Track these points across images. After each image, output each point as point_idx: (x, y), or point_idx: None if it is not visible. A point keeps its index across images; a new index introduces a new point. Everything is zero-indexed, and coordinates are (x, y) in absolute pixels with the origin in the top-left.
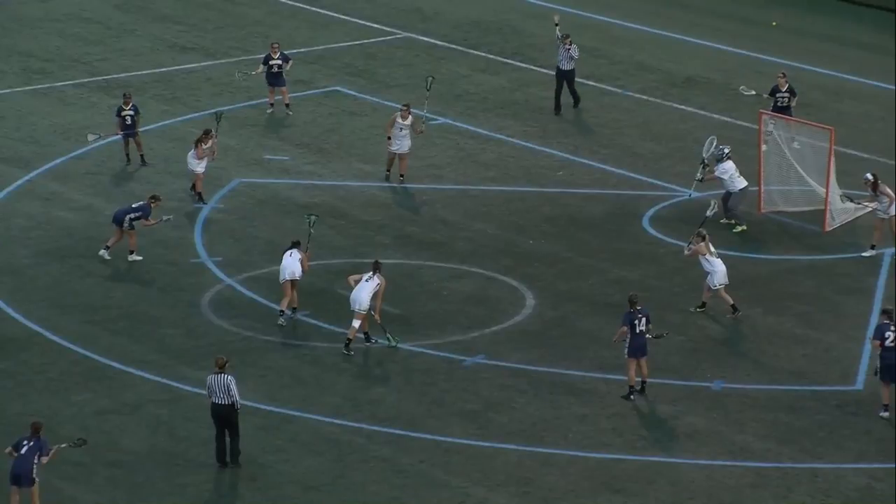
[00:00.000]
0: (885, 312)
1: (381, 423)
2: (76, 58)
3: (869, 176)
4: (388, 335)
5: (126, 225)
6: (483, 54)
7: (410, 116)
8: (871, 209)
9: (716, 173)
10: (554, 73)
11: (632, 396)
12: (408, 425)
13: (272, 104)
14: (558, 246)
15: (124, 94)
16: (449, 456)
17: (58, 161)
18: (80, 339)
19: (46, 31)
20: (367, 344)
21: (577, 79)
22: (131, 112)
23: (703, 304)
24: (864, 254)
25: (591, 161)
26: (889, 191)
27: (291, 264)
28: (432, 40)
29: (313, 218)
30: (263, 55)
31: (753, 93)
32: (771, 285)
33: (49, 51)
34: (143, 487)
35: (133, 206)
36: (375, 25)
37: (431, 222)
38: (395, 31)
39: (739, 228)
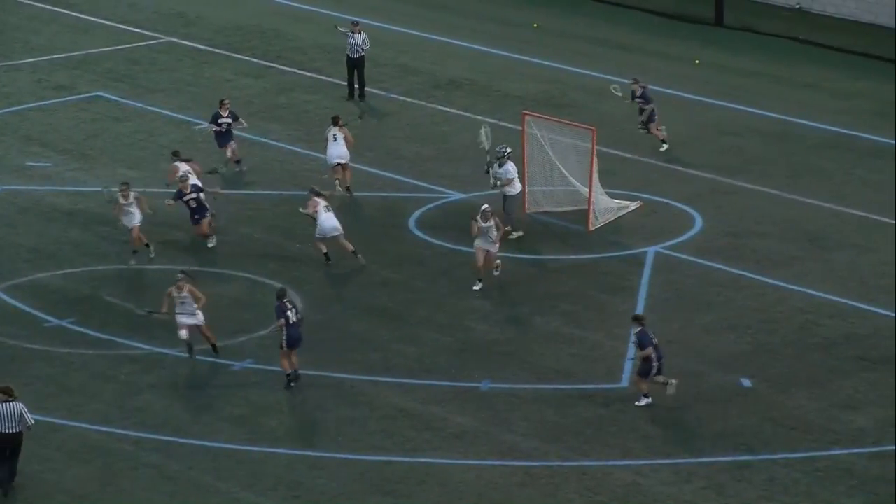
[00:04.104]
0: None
1: (149, 429)
2: None
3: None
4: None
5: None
6: (246, 58)
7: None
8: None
9: (506, 176)
10: (322, 79)
11: (292, 384)
12: (176, 431)
13: (229, 159)
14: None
15: None
16: (218, 461)
17: None
18: None
19: None
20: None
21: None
22: None
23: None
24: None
25: (358, 164)
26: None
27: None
28: (195, 45)
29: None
30: (212, 113)
31: (621, 94)
32: (537, 285)
33: None
34: None
35: None
36: (137, 30)
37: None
38: (157, 35)
39: (516, 235)
